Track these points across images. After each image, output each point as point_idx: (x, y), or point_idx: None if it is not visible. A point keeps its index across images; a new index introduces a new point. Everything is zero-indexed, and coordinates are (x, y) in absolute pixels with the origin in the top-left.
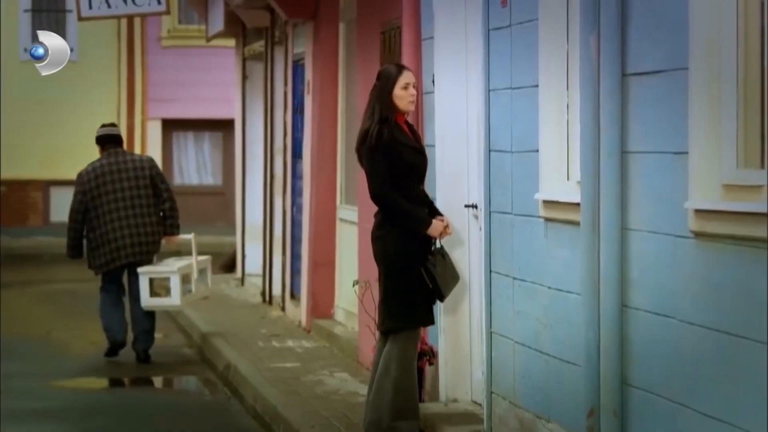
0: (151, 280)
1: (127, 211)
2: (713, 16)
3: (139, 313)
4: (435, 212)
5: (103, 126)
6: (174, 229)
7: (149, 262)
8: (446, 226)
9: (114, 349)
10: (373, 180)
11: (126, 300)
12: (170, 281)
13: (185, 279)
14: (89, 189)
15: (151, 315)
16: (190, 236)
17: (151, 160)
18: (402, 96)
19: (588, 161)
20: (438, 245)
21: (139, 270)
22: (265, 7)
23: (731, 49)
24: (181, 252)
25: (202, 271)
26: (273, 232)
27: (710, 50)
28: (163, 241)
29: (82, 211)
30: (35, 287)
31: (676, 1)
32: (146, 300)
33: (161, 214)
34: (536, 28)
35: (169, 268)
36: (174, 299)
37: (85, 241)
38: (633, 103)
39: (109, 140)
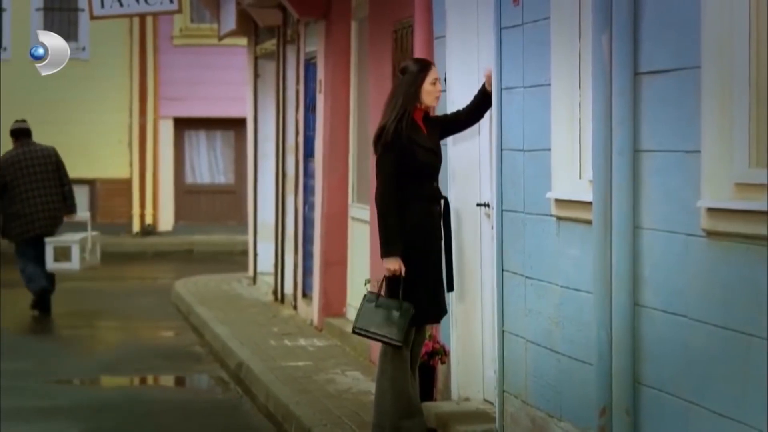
0: (55, 248)
1: (39, 191)
2: (725, 15)
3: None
4: (448, 209)
5: (16, 122)
6: (73, 208)
7: (53, 233)
8: (398, 269)
9: (41, 297)
10: (380, 177)
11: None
12: (71, 249)
13: (82, 249)
14: (9, 173)
15: (50, 275)
16: (87, 214)
17: (54, 149)
18: (430, 91)
19: (600, 160)
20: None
21: (46, 239)
22: (277, 6)
23: (743, 47)
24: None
25: (94, 245)
26: (285, 231)
27: (722, 49)
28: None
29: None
30: None
31: None
32: (50, 264)
33: (62, 195)
34: (548, 26)
35: (71, 238)
36: (74, 264)
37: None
38: (645, 102)
39: (21, 133)
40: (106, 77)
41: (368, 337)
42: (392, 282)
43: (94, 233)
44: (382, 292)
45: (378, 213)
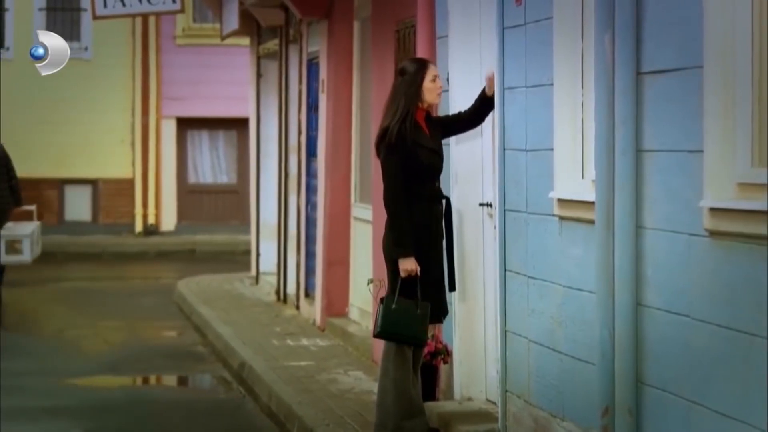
0: (6, 242)
1: None
2: (727, 14)
3: None
4: (449, 209)
5: None
6: (20, 201)
7: (2, 226)
8: (414, 270)
9: None
10: (386, 180)
11: None
12: (23, 243)
13: (33, 241)
14: None
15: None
16: (33, 207)
17: (1, 145)
18: (431, 88)
19: (602, 160)
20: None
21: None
22: (279, 6)
23: (746, 47)
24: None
25: (37, 236)
26: (287, 231)
27: (725, 48)
28: None
29: None
30: (48, 286)
31: None
32: (3, 257)
33: (9, 188)
34: (551, 26)
35: (23, 232)
36: (25, 256)
37: None
38: (647, 102)
39: None
40: (109, 77)
41: (392, 339)
42: (408, 282)
43: (36, 223)
44: (395, 293)
45: (389, 215)
